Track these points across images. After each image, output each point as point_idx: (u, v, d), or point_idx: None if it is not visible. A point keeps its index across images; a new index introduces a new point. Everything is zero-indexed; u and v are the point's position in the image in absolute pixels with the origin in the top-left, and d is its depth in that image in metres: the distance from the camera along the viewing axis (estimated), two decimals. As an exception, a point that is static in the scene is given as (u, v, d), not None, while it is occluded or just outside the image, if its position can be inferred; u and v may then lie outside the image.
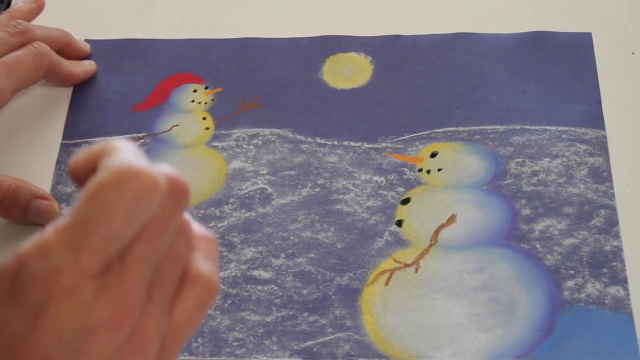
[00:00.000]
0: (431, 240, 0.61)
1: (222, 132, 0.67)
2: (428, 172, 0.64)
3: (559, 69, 0.69)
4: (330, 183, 0.64)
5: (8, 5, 0.76)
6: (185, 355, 0.57)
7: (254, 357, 0.57)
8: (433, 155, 0.65)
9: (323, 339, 0.57)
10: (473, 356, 0.56)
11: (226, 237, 0.62)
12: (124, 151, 0.36)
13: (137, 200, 0.35)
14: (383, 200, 0.63)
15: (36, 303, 0.35)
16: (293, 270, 0.60)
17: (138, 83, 0.71)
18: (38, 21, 0.71)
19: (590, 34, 0.70)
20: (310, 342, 0.57)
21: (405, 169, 0.64)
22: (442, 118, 0.67)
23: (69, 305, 0.35)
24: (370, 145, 0.66)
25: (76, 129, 0.68)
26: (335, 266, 0.60)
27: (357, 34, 0.72)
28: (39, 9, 0.71)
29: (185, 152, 0.67)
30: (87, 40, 0.73)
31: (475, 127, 0.66)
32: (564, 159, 0.64)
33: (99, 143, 0.38)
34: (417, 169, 0.64)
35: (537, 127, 0.66)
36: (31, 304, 0.35)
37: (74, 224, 0.36)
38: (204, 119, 0.68)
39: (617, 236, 0.60)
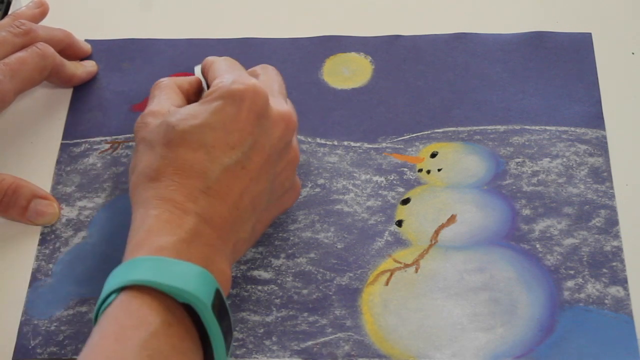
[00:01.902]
0: (431, 240, 0.61)
1: (222, 132, 0.67)
2: (428, 172, 0.64)
3: (559, 69, 0.69)
4: (330, 183, 0.64)
5: (8, 6, 0.76)
6: (185, 356, 0.57)
7: (254, 357, 0.57)
8: (433, 155, 0.65)
9: (323, 339, 0.57)
10: (473, 356, 0.56)
11: (226, 237, 0.62)
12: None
13: None
14: (383, 200, 0.63)
15: None
16: (293, 271, 0.60)
17: (138, 83, 0.71)
18: (38, 21, 0.71)
19: (590, 34, 0.70)
20: (310, 342, 0.57)
21: (405, 169, 0.64)
22: (442, 118, 0.67)
23: None
24: (370, 145, 0.66)
25: (76, 129, 0.68)
26: (335, 266, 0.60)
27: (357, 34, 0.72)
28: (42, 14, 0.71)
29: (185, 152, 0.67)
30: (87, 40, 0.73)
31: (475, 127, 0.66)
32: (564, 159, 0.64)
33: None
34: (417, 169, 0.64)
35: (537, 127, 0.66)
36: None
37: None
38: (204, 119, 0.68)
39: (617, 236, 0.60)
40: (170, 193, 0.52)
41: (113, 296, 0.48)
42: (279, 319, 0.58)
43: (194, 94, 0.62)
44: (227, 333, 0.49)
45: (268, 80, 0.60)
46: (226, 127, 0.54)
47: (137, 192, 0.54)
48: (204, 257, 0.50)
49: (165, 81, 0.61)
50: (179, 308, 0.48)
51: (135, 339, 0.46)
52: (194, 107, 0.55)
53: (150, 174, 0.53)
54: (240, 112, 0.54)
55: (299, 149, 0.58)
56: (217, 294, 0.49)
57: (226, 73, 0.58)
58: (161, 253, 0.49)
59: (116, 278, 0.49)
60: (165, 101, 0.59)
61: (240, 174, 0.53)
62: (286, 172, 0.57)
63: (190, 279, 0.48)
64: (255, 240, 0.59)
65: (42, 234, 0.63)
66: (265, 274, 0.60)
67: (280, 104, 0.57)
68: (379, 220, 0.62)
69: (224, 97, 0.54)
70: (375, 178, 0.64)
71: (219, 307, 0.49)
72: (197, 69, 0.65)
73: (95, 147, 0.67)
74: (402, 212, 0.62)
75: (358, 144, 0.66)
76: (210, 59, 0.62)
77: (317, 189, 0.64)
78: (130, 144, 0.67)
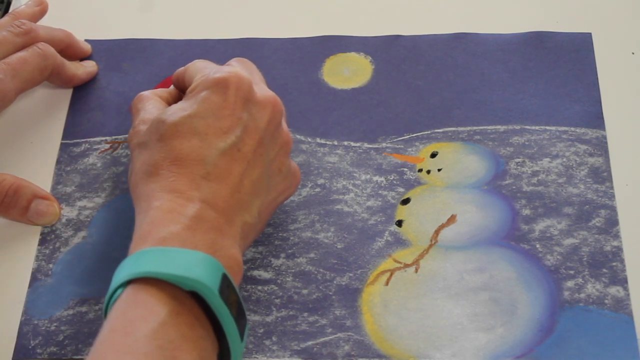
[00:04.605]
0: (431, 240, 0.61)
1: (222, 132, 0.67)
2: (428, 172, 0.64)
3: (559, 69, 0.69)
4: (330, 183, 0.64)
5: (8, 6, 0.76)
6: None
7: (254, 357, 0.57)
8: (433, 155, 0.65)
9: (323, 339, 0.57)
10: (473, 356, 0.56)
11: (226, 237, 0.62)
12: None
13: None
14: (383, 200, 0.63)
15: None
16: (293, 271, 0.60)
17: (138, 83, 0.71)
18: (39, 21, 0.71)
19: (590, 34, 0.70)
20: (310, 342, 0.57)
21: (405, 169, 0.64)
22: (442, 118, 0.67)
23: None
24: (370, 145, 0.66)
25: (76, 129, 0.68)
26: (335, 266, 0.60)
27: (357, 34, 0.72)
28: (42, 12, 0.71)
29: (186, 152, 0.67)
30: (87, 40, 0.73)
31: (475, 127, 0.66)
32: (564, 159, 0.64)
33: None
34: (417, 169, 0.64)
35: (537, 127, 0.66)
36: None
37: None
38: (204, 119, 0.68)
39: (617, 236, 0.60)
40: (171, 184, 0.52)
41: (120, 290, 0.48)
42: (279, 319, 0.58)
43: (175, 103, 0.63)
44: (239, 317, 0.49)
45: (246, 69, 0.60)
46: (216, 114, 0.54)
47: (138, 189, 0.54)
48: (211, 242, 0.50)
49: (147, 93, 0.62)
50: (187, 296, 0.48)
51: (144, 330, 0.46)
52: (181, 102, 0.56)
53: (149, 170, 0.54)
54: (227, 99, 0.55)
55: (290, 134, 0.59)
56: (224, 278, 0.49)
57: (205, 69, 0.59)
58: (165, 243, 0.49)
59: (122, 272, 0.49)
60: (152, 109, 0.59)
61: (237, 157, 0.54)
62: (280, 157, 0.58)
63: (194, 266, 0.48)
64: (263, 228, 0.59)
65: (42, 234, 0.63)
66: (265, 274, 0.60)
67: (264, 90, 0.58)
68: (379, 220, 0.62)
69: (208, 87, 0.55)
70: (375, 178, 0.64)
71: (229, 292, 0.49)
72: None
73: (95, 147, 0.67)
74: (402, 212, 0.62)
75: (358, 144, 0.66)
76: (179, 70, 0.63)
77: (317, 189, 0.64)
78: (130, 144, 0.67)
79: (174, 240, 0.50)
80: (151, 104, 0.60)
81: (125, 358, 0.45)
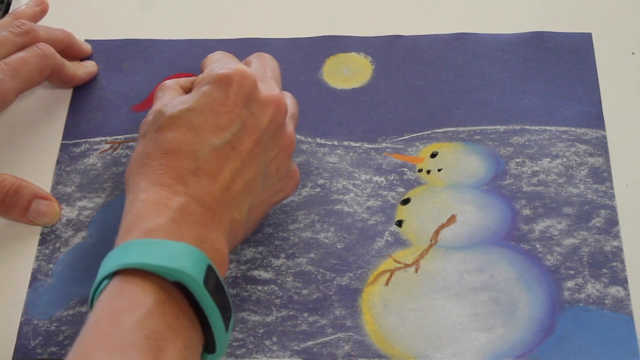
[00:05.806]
0: (431, 241, 0.61)
1: (222, 132, 0.67)
2: (428, 172, 0.64)
3: (559, 69, 0.69)
4: (331, 183, 0.64)
5: (8, 6, 0.76)
6: (185, 356, 0.57)
7: (254, 357, 0.57)
8: (433, 155, 0.65)
9: (323, 339, 0.57)
10: (473, 356, 0.56)
11: (226, 237, 0.62)
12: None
13: None
14: (383, 201, 0.63)
15: None
16: (293, 271, 0.60)
17: (138, 83, 0.71)
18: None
19: (590, 34, 0.70)
20: (310, 343, 0.57)
21: (405, 169, 0.64)
22: (442, 118, 0.67)
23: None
24: (370, 145, 0.66)
25: (76, 129, 0.68)
26: (335, 266, 0.60)
27: (357, 34, 0.72)
28: (42, 12, 0.71)
29: (186, 152, 0.67)
30: (87, 41, 0.73)
31: (475, 127, 0.66)
32: (564, 159, 0.64)
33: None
34: (417, 169, 0.64)
35: (537, 127, 0.66)
36: None
37: None
38: (204, 119, 0.68)
39: (617, 236, 0.60)
40: (158, 177, 0.52)
41: (105, 282, 0.48)
42: (279, 319, 0.58)
43: None
44: (224, 309, 0.49)
45: (260, 66, 0.61)
46: (214, 110, 0.54)
47: (130, 180, 0.54)
48: (196, 235, 0.50)
49: (169, 82, 0.61)
50: (173, 287, 0.48)
51: (129, 320, 0.46)
52: (184, 96, 0.56)
53: (141, 161, 0.54)
54: (228, 96, 0.55)
55: (294, 136, 0.59)
56: (210, 270, 0.49)
57: (216, 62, 0.59)
58: (150, 235, 0.49)
59: (107, 264, 0.49)
60: (169, 101, 0.59)
61: (231, 155, 0.54)
62: (280, 158, 0.58)
63: (179, 257, 0.48)
64: (254, 227, 0.59)
65: (42, 234, 0.63)
66: (265, 274, 0.60)
67: (271, 89, 0.58)
68: (379, 220, 0.62)
69: (211, 82, 0.55)
70: (375, 178, 0.64)
71: (214, 283, 0.49)
72: None
73: (95, 147, 0.67)
74: (402, 212, 0.62)
75: (358, 144, 0.66)
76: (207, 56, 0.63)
77: (317, 189, 0.64)
78: (131, 144, 0.67)
79: (159, 232, 0.50)
80: (169, 95, 0.60)
81: (111, 349, 0.45)
